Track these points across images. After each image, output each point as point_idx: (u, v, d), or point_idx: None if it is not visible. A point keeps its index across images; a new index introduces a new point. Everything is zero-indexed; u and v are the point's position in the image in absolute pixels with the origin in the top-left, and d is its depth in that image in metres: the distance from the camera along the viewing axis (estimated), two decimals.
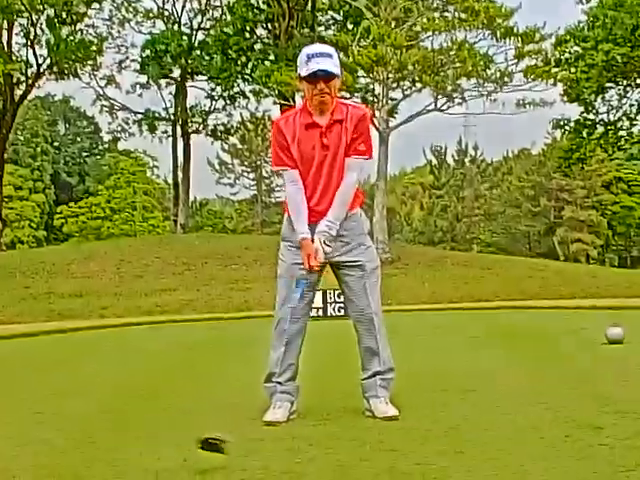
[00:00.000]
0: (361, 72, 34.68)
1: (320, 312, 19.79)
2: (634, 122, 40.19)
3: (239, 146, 72.98)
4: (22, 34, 43.69)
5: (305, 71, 5.44)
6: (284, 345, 5.72)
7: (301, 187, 5.62)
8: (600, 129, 40.11)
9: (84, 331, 18.39)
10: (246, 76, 45.68)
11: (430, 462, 4.25)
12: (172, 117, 49.22)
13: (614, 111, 39.91)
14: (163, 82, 48.94)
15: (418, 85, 36.22)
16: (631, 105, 39.92)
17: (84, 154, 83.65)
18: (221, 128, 50.60)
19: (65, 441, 5.01)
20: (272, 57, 43.19)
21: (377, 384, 5.72)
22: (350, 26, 42.22)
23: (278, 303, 5.80)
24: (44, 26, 43.32)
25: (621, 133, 40.38)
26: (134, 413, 6.10)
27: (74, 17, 43.85)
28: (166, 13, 49.23)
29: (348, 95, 35.92)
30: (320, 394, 6.59)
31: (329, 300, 20.04)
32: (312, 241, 5.56)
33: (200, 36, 47.99)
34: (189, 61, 45.82)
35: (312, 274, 5.67)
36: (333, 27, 45.90)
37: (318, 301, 19.81)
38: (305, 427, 5.31)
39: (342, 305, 19.89)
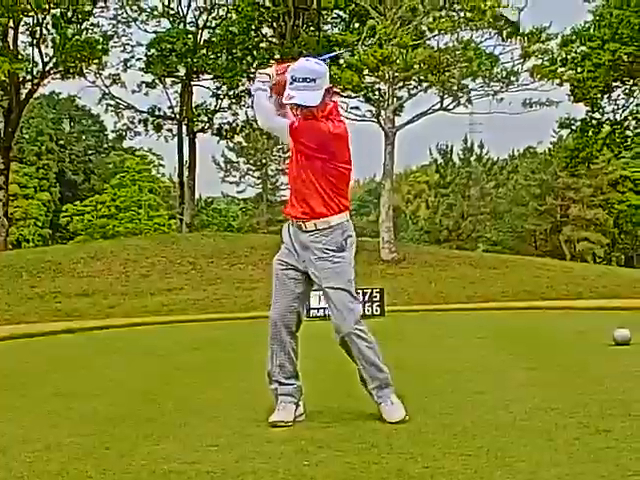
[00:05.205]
0: (367, 71, 34.64)
1: (326, 312, 19.75)
2: None
3: (244, 144, 72.96)
4: (28, 33, 43.74)
5: (284, 97, 5.70)
6: (276, 344, 5.79)
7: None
8: (606, 128, 40.04)
9: (92, 331, 18.43)
10: (252, 75, 45.67)
11: (439, 465, 4.26)
12: (178, 116, 49.21)
13: (620, 110, 39.84)
14: (169, 81, 48.94)
15: (424, 84, 36.23)
16: (637, 104, 39.83)
17: (89, 152, 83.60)
18: (226, 127, 50.57)
19: (78, 446, 5.02)
20: (278, 56, 43.17)
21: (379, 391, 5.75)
22: (356, 25, 42.16)
23: (272, 303, 5.91)
24: (50, 25, 43.37)
25: (627, 133, 40.28)
26: (142, 414, 6.11)
27: (80, 16, 43.86)
28: (171, 12, 49.21)
29: (354, 95, 35.94)
30: (327, 396, 6.60)
31: None
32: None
33: (206, 35, 47.99)
34: (195, 60, 45.77)
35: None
36: (339, 26, 45.86)
37: (324, 302, 19.80)
38: (313, 429, 5.32)
39: None
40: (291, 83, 5.62)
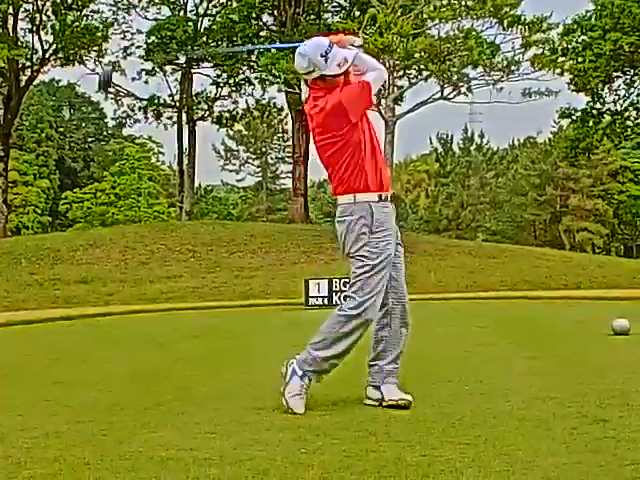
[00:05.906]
0: None
1: (325, 301, 19.83)
2: None
3: (244, 132, 72.90)
4: (27, 19, 43.67)
5: (343, 64, 5.48)
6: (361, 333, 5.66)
7: None
8: (607, 119, 40.00)
9: (91, 318, 18.44)
10: (252, 63, 45.64)
11: (436, 454, 4.25)
12: (177, 104, 49.19)
13: (621, 101, 39.80)
14: (169, 69, 48.93)
15: (424, 73, 36.20)
16: (638, 95, 39.79)
17: (89, 140, 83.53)
18: (226, 115, 50.57)
19: (76, 434, 5.01)
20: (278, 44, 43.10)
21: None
22: (357, 13, 42.10)
23: (371, 294, 5.58)
24: (49, 12, 43.30)
25: (628, 123, 40.25)
26: (141, 403, 6.10)
27: (80, 3, 43.79)
28: None
29: None
30: (325, 384, 6.59)
31: (334, 289, 20.06)
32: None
33: (206, 22, 47.96)
34: (195, 48, 45.74)
35: None
36: (340, 14, 45.77)
37: (324, 290, 19.95)
38: (311, 417, 5.31)
39: None
40: (326, 59, 5.42)
